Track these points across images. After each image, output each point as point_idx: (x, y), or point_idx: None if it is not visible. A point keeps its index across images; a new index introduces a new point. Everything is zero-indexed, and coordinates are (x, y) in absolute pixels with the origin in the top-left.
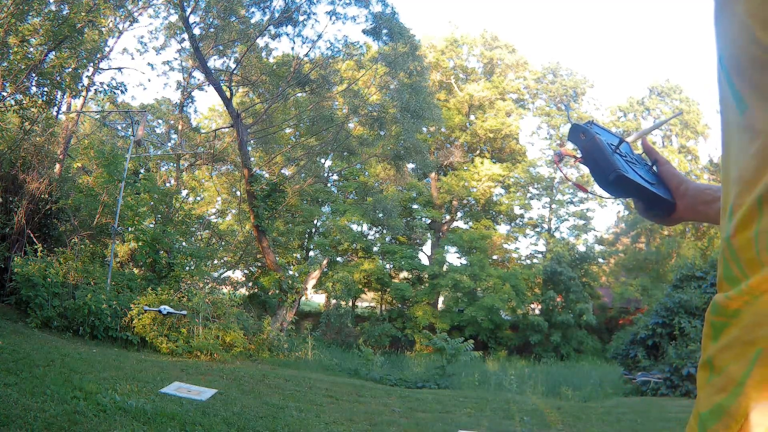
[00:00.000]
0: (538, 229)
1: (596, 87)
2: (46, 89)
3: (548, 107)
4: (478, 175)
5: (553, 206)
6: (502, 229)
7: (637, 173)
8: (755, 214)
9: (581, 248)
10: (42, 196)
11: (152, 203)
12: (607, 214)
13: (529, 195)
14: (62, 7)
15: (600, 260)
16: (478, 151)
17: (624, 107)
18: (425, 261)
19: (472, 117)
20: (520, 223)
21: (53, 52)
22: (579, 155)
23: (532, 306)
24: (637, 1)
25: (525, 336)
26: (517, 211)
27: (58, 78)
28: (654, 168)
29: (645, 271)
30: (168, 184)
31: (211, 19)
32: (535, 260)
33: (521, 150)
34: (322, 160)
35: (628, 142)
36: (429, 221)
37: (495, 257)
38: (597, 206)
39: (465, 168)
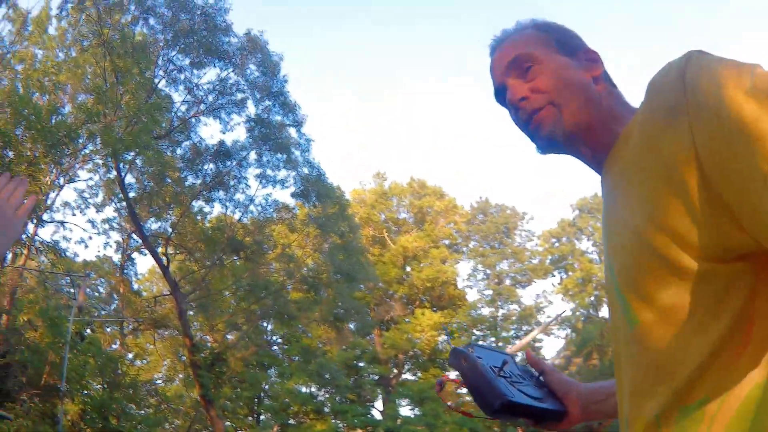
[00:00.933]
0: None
1: (528, 216)
2: None
3: (482, 248)
4: (420, 326)
5: (500, 344)
6: (452, 375)
7: (523, 393)
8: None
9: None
10: None
11: (97, 368)
12: (555, 340)
13: (474, 338)
14: (4, 154)
15: None
16: (417, 302)
17: (555, 232)
18: (378, 416)
19: (408, 268)
20: None
21: None
22: (461, 380)
23: None
24: None
25: None
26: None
27: None
28: (540, 378)
29: None
30: (113, 347)
31: (146, 181)
32: None
33: (461, 294)
34: (264, 324)
35: (510, 354)
36: (377, 377)
37: (450, 403)
38: (543, 336)
39: (406, 320)
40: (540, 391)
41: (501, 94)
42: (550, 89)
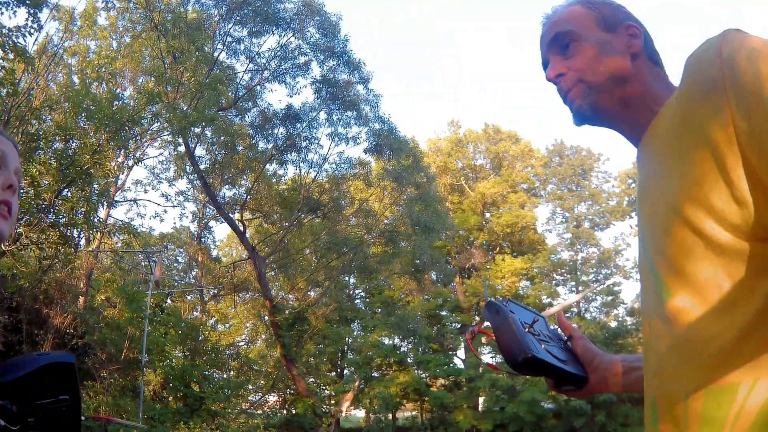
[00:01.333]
0: (568, 314)
1: (603, 157)
2: (60, 229)
3: (559, 191)
4: (501, 272)
5: (580, 288)
6: (485, 325)
7: (548, 352)
8: (681, 411)
9: (613, 324)
10: (68, 330)
11: (178, 338)
12: (634, 283)
13: (554, 282)
14: (69, 144)
15: (635, 330)
16: (497, 249)
17: (632, 173)
18: (461, 365)
19: (487, 215)
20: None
21: (65, 191)
22: (492, 333)
23: None
24: None
25: (569, 422)
26: (545, 300)
27: (72, 218)
28: (568, 343)
29: None
30: (194, 314)
31: (217, 151)
32: None
33: (540, 239)
34: (346, 278)
35: (545, 317)
36: (459, 326)
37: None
38: (623, 279)
39: (487, 267)
40: (566, 354)
41: (545, 68)
42: (584, 68)
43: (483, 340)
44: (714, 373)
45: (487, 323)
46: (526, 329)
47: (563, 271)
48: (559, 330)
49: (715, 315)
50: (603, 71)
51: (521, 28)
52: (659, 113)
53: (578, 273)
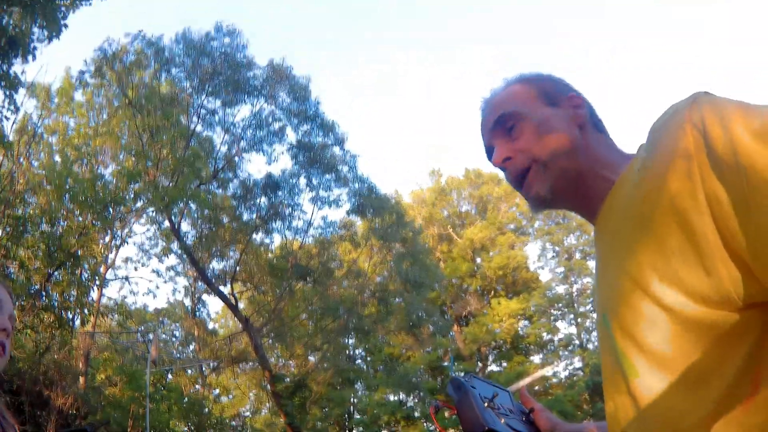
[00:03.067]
0: (570, 348)
1: None
2: (54, 312)
3: (547, 226)
4: (498, 316)
5: (579, 320)
6: (536, 359)
7: (507, 425)
8: None
9: None
10: (70, 411)
11: (181, 413)
12: None
13: (552, 317)
14: (55, 227)
15: None
16: (492, 293)
17: None
18: None
19: (478, 260)
20: (552, 348)
21: (56, 274)
22: (455, 407)
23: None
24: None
25: None
26: (546, 337)
27: (64, 300)
28: (530, 416)
29: None
30: (196, 388)
31: (202, 225)
32: (575, 378)
33: (534, 277)
34: (345, 340)
35: (510, 391)
36: (462, 374)
37: (537, 388)
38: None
39: (484, 312)
40: (526, 426)
41: (490, 156)
42: (533, 147)
43: (446, 414)
44: None
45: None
46: (486, 404)
47: (560, 305)
48: (521, 404)
49: (685, 391)
50: (553, 148)
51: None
52: (616, 183)
53: (575, 305)
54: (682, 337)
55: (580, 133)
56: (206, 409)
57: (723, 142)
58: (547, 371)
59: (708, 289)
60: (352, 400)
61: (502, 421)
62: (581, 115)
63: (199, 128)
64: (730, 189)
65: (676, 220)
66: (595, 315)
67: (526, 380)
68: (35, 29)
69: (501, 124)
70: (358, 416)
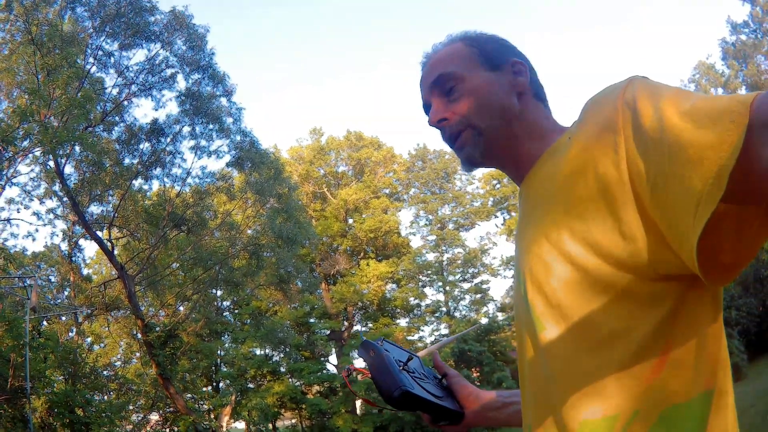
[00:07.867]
0: (437, 314)
1: None
2: None
3: (422, 194)
4: (366, 277)
5: (447, 288)
6: (403, 322)
7: (423, 388)
8: None
9: (484, 321)
10: None
11: (57, 362)
12: (502, 281)
13: (420, 284)
14: None
15: (507, 325)
16: (362, 254)
17: (497, 174)
18: (334, 371)
19: (350, 221)
20: (419, 313)
21: None
22: (368, 371)
23: None
24: None
25: None
26: (413, 302)
27: None
28: (443, 381)
29: None
30: (70, 335)
31: (85, 168)
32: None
33: (404, 242)
34: (214, 291)
35: (419, 356)
36: (328, 332)
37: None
38: (490, 276)
39: (353, 272)
40: (441, 390)
41: (427, 111)
42: (468, 111)
43: (359, 377)
44: (590, 406)
45: (363, 363)
46: (401, 367)
47: (429, 272)
48: (433, 369)
49: (592, 350)
50: (490, 114)
51: (385, 39)
52: (547, 151)
53: (444, 273)
54: (591, 297)
55: (518, 101)
56: (79, 359)
57: (652, 120)
58: (456, 337)
59: (622, 253)
60: (219, 352)
61: (418, 384)
62: (521, 83)
63: (93, 69)
64: (651, 164)
65: (598, 187)
66: (463, 285)
67: (436, 345)
68: None
69: (439, 83)
70: (225, 369)
